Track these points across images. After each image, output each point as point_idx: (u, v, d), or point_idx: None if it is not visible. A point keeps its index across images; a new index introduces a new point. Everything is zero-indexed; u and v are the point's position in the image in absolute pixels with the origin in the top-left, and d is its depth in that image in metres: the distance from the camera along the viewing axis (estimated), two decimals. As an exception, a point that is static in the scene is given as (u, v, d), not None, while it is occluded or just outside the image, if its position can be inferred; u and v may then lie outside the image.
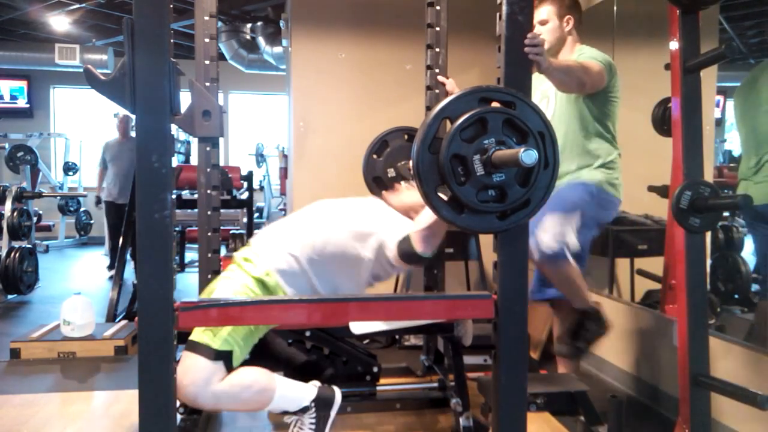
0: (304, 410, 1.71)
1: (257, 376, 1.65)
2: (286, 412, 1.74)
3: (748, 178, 2.34)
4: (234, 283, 1.73)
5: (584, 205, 2.20)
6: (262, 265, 1.74)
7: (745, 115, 2.43)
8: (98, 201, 6.32)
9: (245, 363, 1.72)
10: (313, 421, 1.72)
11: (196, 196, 2.74)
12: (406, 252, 1.68)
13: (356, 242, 1.77)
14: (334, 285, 1.80)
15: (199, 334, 1.63)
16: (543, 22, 2.27)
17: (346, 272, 1.80)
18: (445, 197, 1.27)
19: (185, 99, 1.76)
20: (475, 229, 1.30)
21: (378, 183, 2.37)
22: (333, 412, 1.75)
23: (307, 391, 1.73)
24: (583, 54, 2.19)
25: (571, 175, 2.25)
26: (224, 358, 1.61)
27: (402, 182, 2.13)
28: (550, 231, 2.12)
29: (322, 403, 1.73)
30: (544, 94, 2.33)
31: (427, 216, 1.62)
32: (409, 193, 1.99)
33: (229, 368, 1.63)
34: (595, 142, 2.23)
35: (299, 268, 1.75)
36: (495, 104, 1.28)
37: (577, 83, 2.06)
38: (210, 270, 2.18)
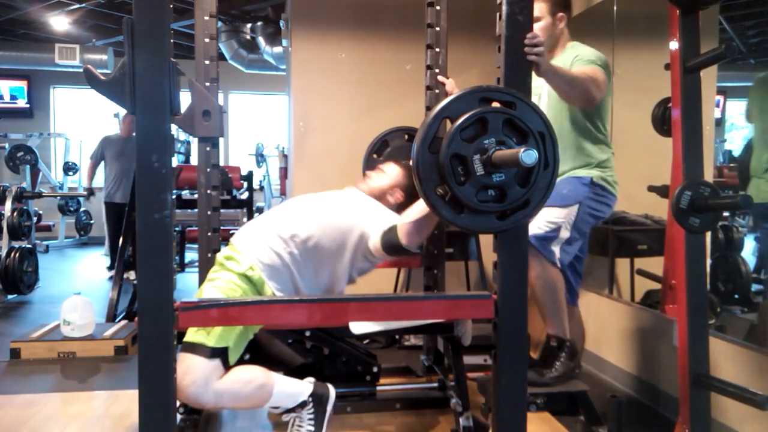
0: (302, 405, 1.74)
1: (255, 373, 1.67)
2: (284, 410, 1.75)
3: (759, 175, 2.31)
4: (219, 283, 1.73)
5: (580, 196, 2.16)
6: (245, 261, 1.75)
7: (763, 111, 2.40)
8: (91, 193, 6.06)
9: (245, 364, 1.73)
10: (312, 416, 1.74)
11: (196, 196, 2.74)
12: (390, 243, 1.70)
13: (337, 235, 1.79)
14: (316, 281, 1.81)
15: (192, 335, 1.64)
16: (535, 20, 2.24)
17: (327, 266, 1.81)
18: (444, 196, 1.27)
19: (185, 99, 1.76)
20: (475, 229, 1.30)
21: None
22: (329, 407, 1.77)
23: (303, 387, 1.75)
24: (579, 55, 2.14)
25: (566, 174, 2.23)
26: (220, 355, 1.63)
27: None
28: (542, 218, 2.08)
29: (318, 398, 1.75)
30: (536, 90, 2.30)
31: (416, 210, 1.63)
32: (378, 177, 2.02)
33: (226, 365, 1.64)
34: (589, 142, 2.20)
35: (281, 263, 1.76)
36: (495, 104, 1.28)
37: (583, 97, 1.99)
38: (210, 270, 2.18)
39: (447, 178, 1.23)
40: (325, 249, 1.78)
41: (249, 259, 1.74)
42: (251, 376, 1.66)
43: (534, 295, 2.18)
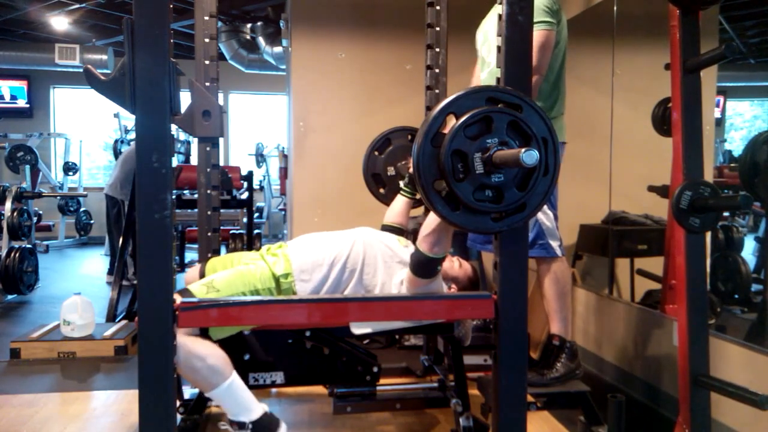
0: (241, 427, 1.62)
1: (219, 355, 1.60)
2: (221, 422, 1.69)
3: None
4: (252, 268, 1.75)
5: None
6: (287, 267, 1.76)
7: None
8: None
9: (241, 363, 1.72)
10: None
11: (196, 196, 2.74)
12: (417, 261, 1.64)
13: (386, 277, 1.80)
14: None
15: (197, 287, 1.65)
16: None
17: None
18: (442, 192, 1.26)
19: (185, 99, 1.77)
20: (468, 228, 1.29)
21: (376, 180, 2.37)
22: None
23: (254, 407, 1.64)
24: None
25: None
26: None
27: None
28: None
29: (261, 429, 1.63)
30: (486, 35, 2.20)
31: (432, 220, 1.58)
32: (452, 264, 2.00)
33: (204, 334, 1.62)
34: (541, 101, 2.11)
35: (318, 284, 1.76)
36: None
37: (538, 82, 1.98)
38: (247, 253, 2.17)
39: (446, 174, 1.22)
40: (362, 282, 1.81)
41: (291, 268, 1.76)
42: (213, 354, 1.59)
43: (543, 294, 2.18)
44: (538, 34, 1.99)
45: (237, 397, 1.63)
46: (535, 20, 1.96)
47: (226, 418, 1.66)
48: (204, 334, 1.63)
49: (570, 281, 2.16)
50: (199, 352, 1.58)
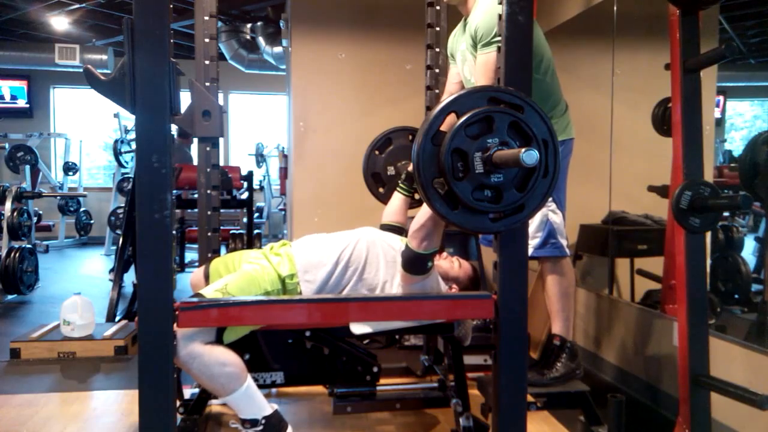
0: (253, 424, 1.66)
1: (236, 361, 1.63)
2: (232, 421, 1.70)
3: None
4: (259, 270, 1.74)
5: None
6: (291, 267, 1.76)
7: None
8: None
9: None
10: None
11: (196, 196, 2.74)
12: (407, 257, 1.66)
13: (388, 276, 1.80)
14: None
15: (210, 292, 1.65)
16: None
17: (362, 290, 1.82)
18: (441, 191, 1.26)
19: (185, 99, 1.77)
20: (467, 227, 1.28)
21: (376, 179, 2.37)
22: None
23: (265, 406, 1.68)
24: (480, 31, 1.92)
25: None
26: None
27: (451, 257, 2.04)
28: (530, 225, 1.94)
29: (272, 427, 1.67)
30: (463, 54, 2.13)
31: (421, 216, 1.60)
32: (451, 263, 2.01)
33: (219, 338, 1.63)
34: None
35: (321, 283, 1.76)
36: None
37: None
38: (250, 251, 2.18)
39: (445, 172, 1.22)
40: (364, 280, 1.81)
41: (296, 269, 1.76)
42: (230, 360, 1.61)
43: (546, 293, 2.18)
44: (492, 58, 1.84)
45: (253, 399, 1.66)
46: (489, 40, 1.90)
47: (237, 417, 1.68)
48: (218, 340, 1.63)
49: (574, 281, 2.16)
50: (217, 359, 1.60)
